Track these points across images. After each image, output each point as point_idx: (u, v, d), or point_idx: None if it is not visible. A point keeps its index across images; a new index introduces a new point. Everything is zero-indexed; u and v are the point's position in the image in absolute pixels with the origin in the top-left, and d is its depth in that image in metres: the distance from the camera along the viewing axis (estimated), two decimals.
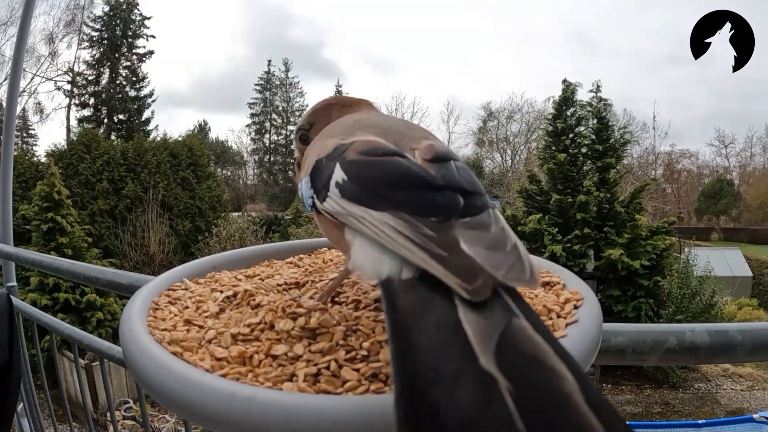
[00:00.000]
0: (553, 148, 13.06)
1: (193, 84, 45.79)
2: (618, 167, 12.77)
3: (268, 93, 32.90)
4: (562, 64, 41.73)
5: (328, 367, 0.42)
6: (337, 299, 0.57)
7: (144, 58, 25.25)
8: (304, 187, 0.53)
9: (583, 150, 12.90)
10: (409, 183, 0.42)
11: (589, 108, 13.39)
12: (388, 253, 0.38)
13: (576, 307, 0.51)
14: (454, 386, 0.26)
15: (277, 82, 32.86)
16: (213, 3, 47.62)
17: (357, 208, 0.41)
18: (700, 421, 6.78)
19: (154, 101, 25.24)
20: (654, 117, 31.68)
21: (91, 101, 24.72)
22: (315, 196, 0.49)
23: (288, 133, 31.72)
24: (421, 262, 0.35)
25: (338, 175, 0.45)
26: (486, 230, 0.38)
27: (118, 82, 24.76)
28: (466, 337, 0.29)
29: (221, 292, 0.59)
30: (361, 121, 0.55)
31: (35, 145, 26.96)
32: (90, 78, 24.87)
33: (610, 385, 11.18)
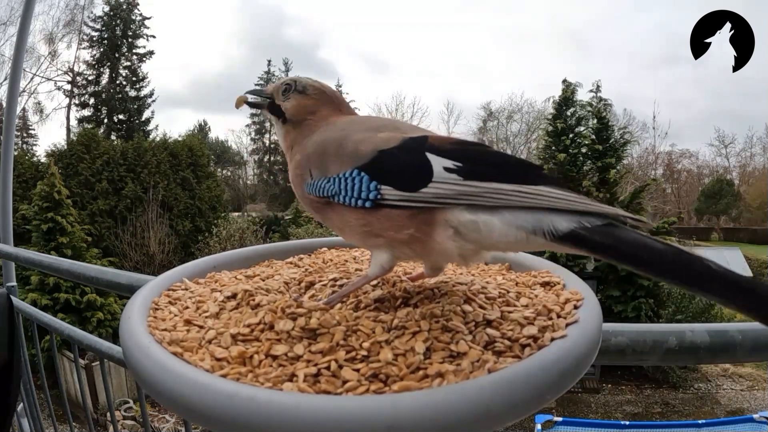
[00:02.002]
0: (553, 148, 13.05)
1: (189, 84, 45.78)
2: (618, 167, 12.75)
3: None
4: (558, 65, 41.77)
5: (328, 368, 0.42)
6: None
7: (144, 58, 25.25)
8: (348, 182, 0.52)
9: (583, 150, 12.89)
10: (528, 165, 0.50)
11: (589, 108, 13.38)
12: (550, 214, 0.46)
13: (576, 307, 0.51)
14: (677, 257, 0.41)
15: None
16: (207, 4, 47.65)
17: (501, 185, 0.48)
18: (700, 421, 6.77)
19: (154, 101, 25.25)
20: (654, 117, 31.71)
21: (91, 101, 24.70)
22: (390, 187, 0.50)
23: None
24: (608, 210, 0.46)
25: (441, 162, 0.49)
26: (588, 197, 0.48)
27: (118, 82, 24.74)
28: (656, 240, 0.42)
29: (221, 292, 0.59)
30: (393, 122, 0.60)
31: (35, 145, 26.95)
32: (90, 78, 24.85)
33: (610, 385, 11.17)
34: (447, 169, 0.48)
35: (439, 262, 0.57)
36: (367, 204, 0.51)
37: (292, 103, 0.65)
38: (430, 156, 0.49)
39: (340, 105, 0.66)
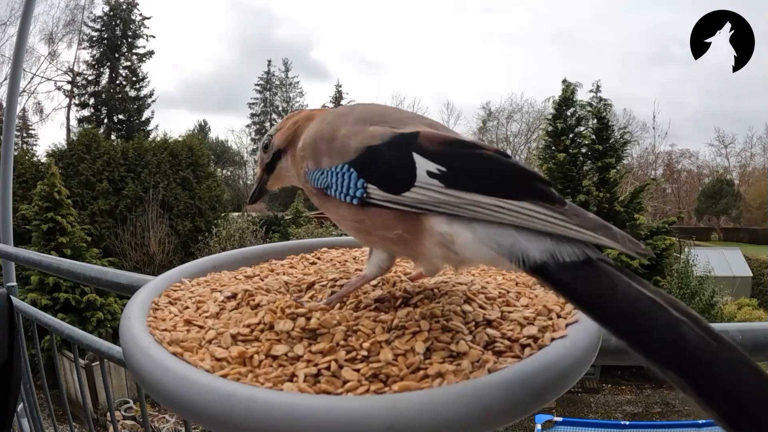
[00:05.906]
0: (553, 148, 13.06)
1: (183, 85, 45.95)
2: (618, 167, 12.76)
3: (268, 93, 32.87)
4: (554, 65, 41.85)
5: (328, 368, 0.42)
6: None
7: (144, 58, 25.24)
8: (338, 176, 0.51)
9: (583, 150, 12.90)
10: (520, 175, 0.45)
11: (589, 108, 13.39)
12: (527, 236, 0.42)
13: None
14: (662, 313, 0.35)
15: (277, 82, 32.84)
16: (198, 5, 47.78)
17: (481, 198, 0.43)
18: (700, 421, 6.75)
19: (153, 101, 25.25)
20: (654, 117, 31.72)
21: (91, 101, 24.69)
22: (375, 186, 0.48)
23: None
24: (589, 238, 0.40)
25: (426, 165, 0.46)
26: (585, 215, 0.42)
27: (118, 82, 24.73)
28: (646, 292, 0.37)
29: (221, 292, 0.59)
30: (384, 112, 0.55)
31: (35, 145, 26.90)
32: (90, 78, 24.84)
33: (610, 385, 11.17)
34: (430, 174, 0.46)
35: (433, 264, 0.55)
36: (355, 201, 0.50)
37: (276, 141, 0.64)
38: (417, 157, 0.47)
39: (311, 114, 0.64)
